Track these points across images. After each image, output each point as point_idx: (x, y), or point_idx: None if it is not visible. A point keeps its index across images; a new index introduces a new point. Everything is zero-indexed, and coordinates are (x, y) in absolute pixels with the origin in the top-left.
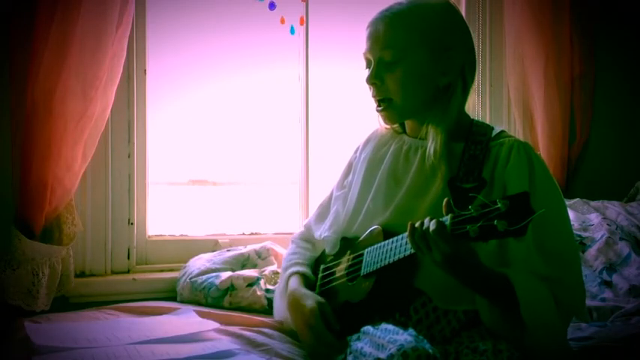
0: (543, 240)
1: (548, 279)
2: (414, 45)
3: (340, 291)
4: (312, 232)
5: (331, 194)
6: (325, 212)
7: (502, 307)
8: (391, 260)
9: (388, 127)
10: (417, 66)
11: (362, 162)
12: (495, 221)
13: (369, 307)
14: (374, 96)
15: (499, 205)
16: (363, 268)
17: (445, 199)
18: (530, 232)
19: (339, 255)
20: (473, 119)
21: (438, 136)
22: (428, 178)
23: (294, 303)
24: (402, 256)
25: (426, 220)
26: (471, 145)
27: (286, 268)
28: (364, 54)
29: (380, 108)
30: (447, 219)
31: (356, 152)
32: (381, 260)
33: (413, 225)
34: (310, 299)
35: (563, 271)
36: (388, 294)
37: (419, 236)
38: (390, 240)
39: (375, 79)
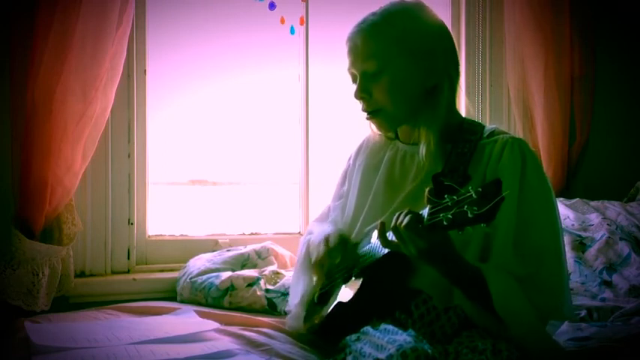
0: (524, 236)
1: (520, 276)
2: (394, 52)
3: (336, 292)
4: None
5: (329, 207)
6: (324, 220)
7: (480, 301)
8: (373, 259)
9: (380, 133)
10: (401, 72)
11: (357, 170)
12: (466, 207)
13: (360, 306)
14: (364, 110)
15: (472, 192)
16: (355, 269)
17: (426, 192)
18: (513, 228)
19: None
20: (464, 118)
21: (430, 137)
22: (425, 182)
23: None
24: (380, 255)
25: (401, 215)
26: (459, 143)
27: (304, 242)
28: (348, 70)
29: (370, 117)
30: (425, 211)
31: (349, 161)
32: (367, 260)
33: (382, 223)
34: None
35: (537, 270)
36: (380, 293)
37: (393, 230)
38: (378, 239)
39: (363, 93)
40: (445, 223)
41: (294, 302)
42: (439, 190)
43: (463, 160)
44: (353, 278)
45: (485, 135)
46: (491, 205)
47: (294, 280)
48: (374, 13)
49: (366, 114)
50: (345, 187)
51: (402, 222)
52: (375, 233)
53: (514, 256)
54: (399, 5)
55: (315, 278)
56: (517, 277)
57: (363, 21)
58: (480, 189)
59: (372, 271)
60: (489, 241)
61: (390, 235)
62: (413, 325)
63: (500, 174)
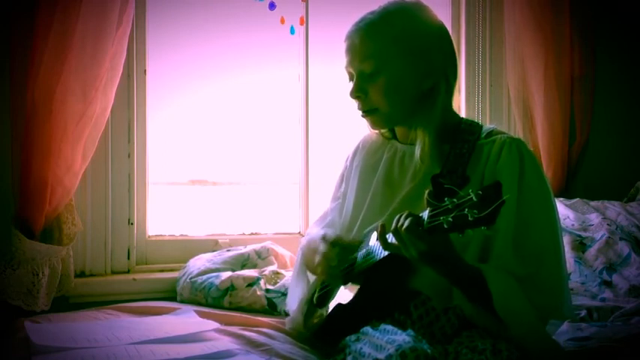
0: (524, 237)
1: (520, 277)
2: (391, 53)
3: (335, 293)
4: None
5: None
6: (323, 223)
7: (480, 302)
8: (372, 262)
9: (377, 131)
10: (398, 73)
11: (354, 171)
12: (466, 210)
13: (359, 307)
14: (360, 109)
15: (472, 195)
16: (354, 270)
17: (425, 195)
18: (512, 229)
19: (339, 262)
20: (462, 118)
21: (426, 138)
22: (423, 182)
23: (314, 243)
24: (380, 257)
25: (402, 218)
26: (457, 143)
27: (301, 246)
28: (345, 68)
29: (365, 115)
30: (425, 213)
31: (346, 162)
32: (367, 261)
33: (383, 225)
34: (328, 237)
35: (536, 270)
36: (380, 294)
37: (394, 233)
38: (378, 241)
39: (359, 92)
40: (446, 226)
41: (292, 308)
42: (438, 192)
43: (462, 160)
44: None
45: (483, 135)
46: (492, 208)
47: (292, 286)
48: (372, 12)
49: (361, 113)
50: (343, 189)
51: (402, 225)
52: (374, 235)
53: (514, 257)
54: (398, 5)
55: (311, 283)
56: (517, 277)
57: (362, 20)
58: (480, 192)
59: (371, 272)
60: (489, 242)
61: (390, 238)
62: (412, 327)
63: (498, 174)
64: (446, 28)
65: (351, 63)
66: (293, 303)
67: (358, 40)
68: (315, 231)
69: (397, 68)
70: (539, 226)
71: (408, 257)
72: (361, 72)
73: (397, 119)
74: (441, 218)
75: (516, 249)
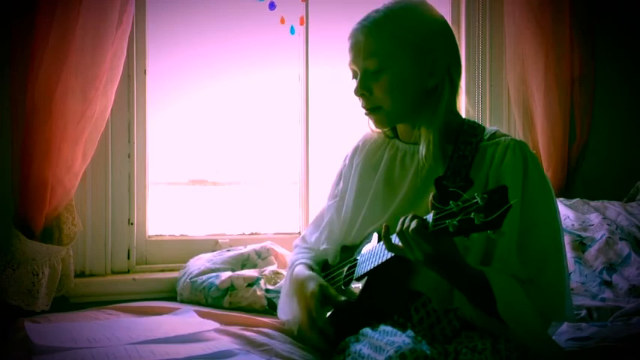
0: (527, 240)
1: (523, 280)
2: (396, 51)
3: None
4: (309, 243)
5: (323, 210)
6: (320, 223)
7: (482, 304)
8: (376, 263)
9: (379, 130)
10: (402, 71)
11: (354, 170)
12: (473, 214)
13: (361, 309)
14: (364, 107)
15: (477, 199)
16: (355, 272)
17: (430, 198)
18: (516, 232)
19: (340, 263)
20: (464, 119)
21: (431, 137)
22: (425, 182)
23: (298, 285)
24: (383, 259)
25: (407, 220)
26: (460, 145)
27: (291, 266)
28: (349, 65)
29: (369, 113)
30: (430, 216)
31: (345, 160)
32: (370, 263)
33: (387, 227)
34: (313, 282)
35: (539, 274)
36: (381, 296)
37: (399, 235)
38: (380, 243)
39: (363, 90)
40: (451, 229)
41: (282, 318)
42: (442, 194)
43: (465, 162)
44: (354, 282)
45: (486, 137)
46: (500, 212)
47: (283, 296)
48: (377, 11)
49: (365, 110)
50: (341, 186)
51: (409, 226)
52: (376, 236)
53: (517, 260)
54: (403, 4)
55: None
56: (520, 280)
57: (366, 18)
58: (486, 195)
59: (373, 274)
60: (491, 244)
61: (395, 239)
62: (413, 329)
63: (502, 177)
64: (450, 28)
65: (355, 60)
66: (284, 315)
67: (362, 37)
68: (310, 236)
69: (401, 66)
70: (542, 229)
71: (412, 259)
72: (365, 70)
73: (400, 117)
74: (447, 222)
75: (520, 252)
